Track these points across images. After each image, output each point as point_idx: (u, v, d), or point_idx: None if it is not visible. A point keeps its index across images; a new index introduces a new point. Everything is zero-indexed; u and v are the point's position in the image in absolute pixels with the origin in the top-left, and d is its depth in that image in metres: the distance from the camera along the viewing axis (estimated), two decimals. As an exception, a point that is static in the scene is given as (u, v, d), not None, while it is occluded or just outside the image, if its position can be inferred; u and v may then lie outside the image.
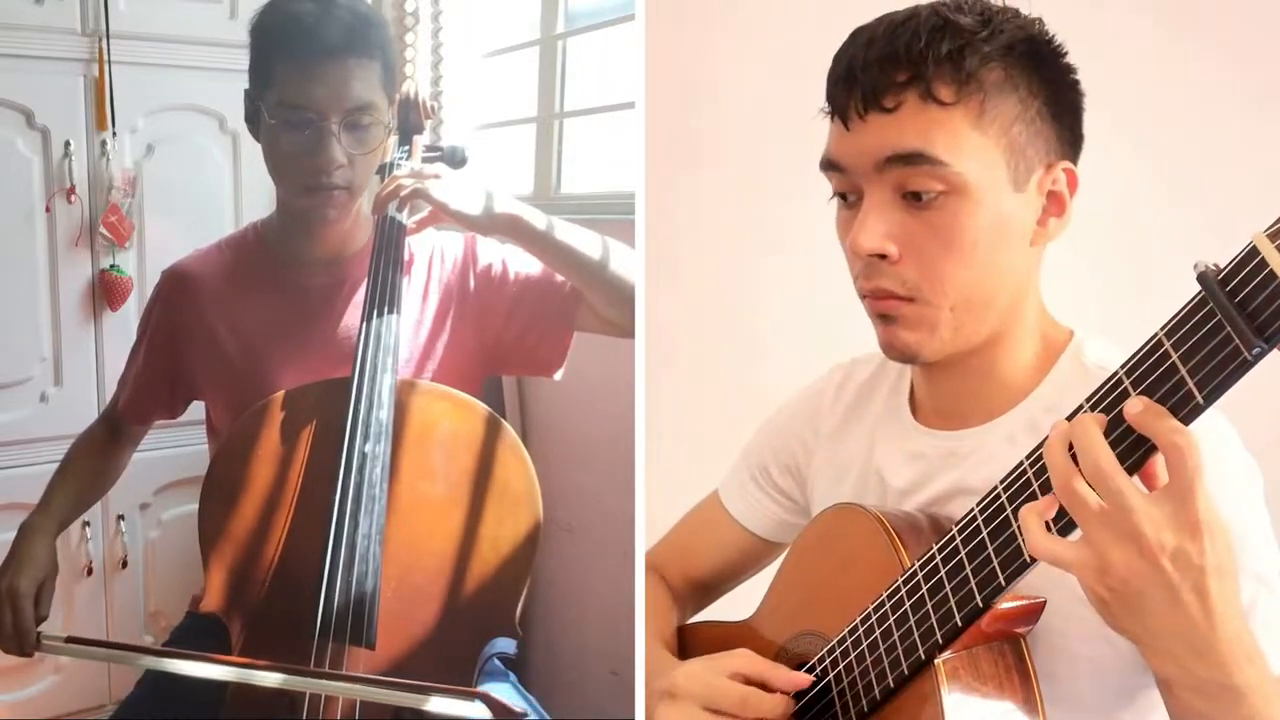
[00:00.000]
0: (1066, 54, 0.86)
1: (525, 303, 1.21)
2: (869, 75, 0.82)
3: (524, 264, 1.21)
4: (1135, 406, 0.66)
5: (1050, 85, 0.84)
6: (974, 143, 0.81)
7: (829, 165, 0.87)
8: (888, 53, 0.82)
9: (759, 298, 1.83)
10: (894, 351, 0.87)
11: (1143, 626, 0.69)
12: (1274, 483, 0.84)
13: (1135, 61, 1.88)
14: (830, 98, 0.86)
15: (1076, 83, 0.87)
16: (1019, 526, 0.72)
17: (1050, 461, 0.70)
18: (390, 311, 1.13)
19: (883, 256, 0.83)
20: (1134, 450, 0.67)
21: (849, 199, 0.86)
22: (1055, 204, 0.85)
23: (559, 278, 1.19)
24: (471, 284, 1.22)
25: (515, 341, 1.22)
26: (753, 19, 1.85)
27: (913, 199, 0.82)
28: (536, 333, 1.21)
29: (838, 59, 0.86)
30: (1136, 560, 0.66)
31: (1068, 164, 0.85)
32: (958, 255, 0.82)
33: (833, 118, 0.86)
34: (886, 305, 0.85)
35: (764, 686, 0.89)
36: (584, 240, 1.14)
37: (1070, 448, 0.69)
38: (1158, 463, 0.67)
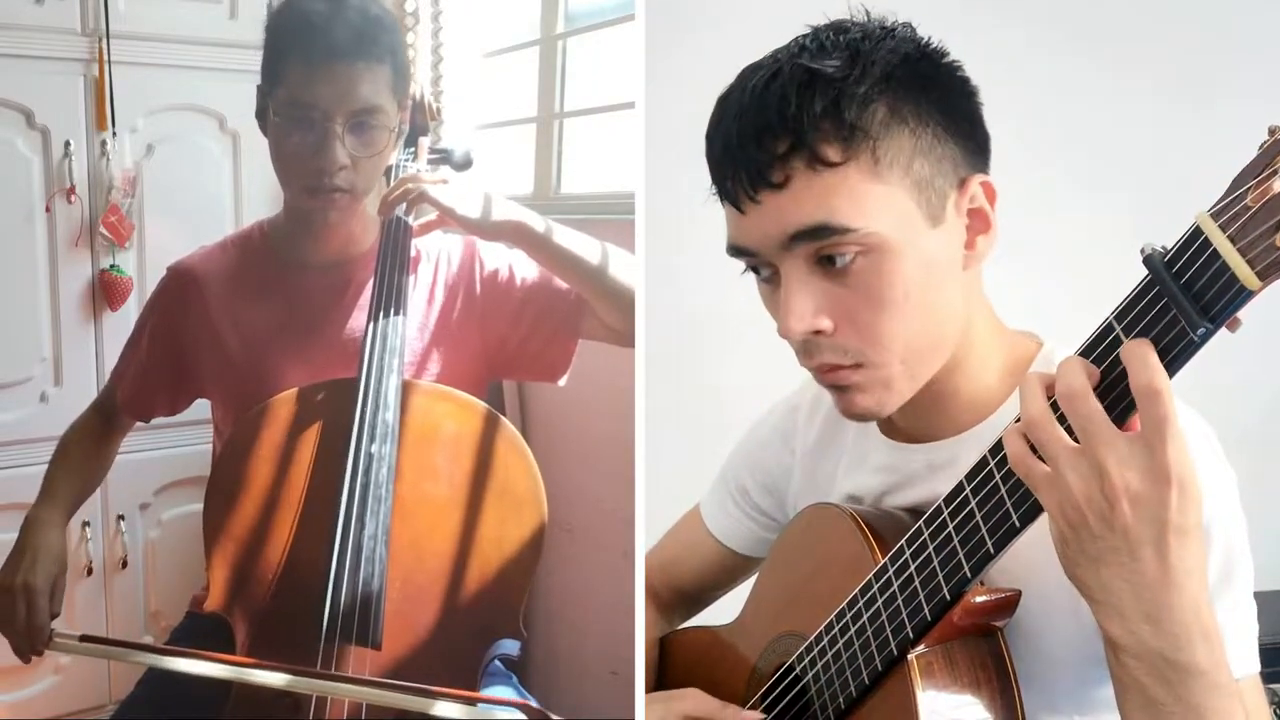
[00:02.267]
0: (948, 55, 0.81)
1: (531, 308, 1.21)
2: (747, 153, 0.76)
3: (530, 270, 1.21)
4: (1133, 342, 0.64)
5: (940, 100, 0.79)
6: (877, 195, 0.76)
7: (735, 251, 0.82)
8: (760, 124, 0.76)
9: (759, 298, 1.83)
10: (855, 418, 0.84)
11: (1096, 577, 0.67)
12: (1253, 479, 0.84)
13: (1097, 71, 1.92)
14: (716, 182, 0.81)
15: (966, 81, 0.82)
16: (995, 465, 0.72)
17: (1026, 395, 0.68)
18: (396, 313, 1.13)
19: (817, 333, 0.79)
20: (1112, 410, 0.66)
21: (763, 273, 0.82)
22: (979, 221, 0.81)
23: (564, 285, 1.19)
24: (478, 288, 1.22)
25: (520, 346, 1.22)
26: (753, 18, 1.85)
27: (828, 263, 0.77)
28: (542, 338, 1.21)
29: (710, 139, 0.81)
30: (1098, 497, 0.64)
31: (981, 176, 0.81)
32: (892, 312, 0.78)
33: (724, 203, 0.81)
34: (836, 377, 0.81)
35: None
36: (589, 248, 1.14)
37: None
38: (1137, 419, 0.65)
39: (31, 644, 1.09)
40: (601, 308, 1.16)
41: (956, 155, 0.80)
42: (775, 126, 0.75)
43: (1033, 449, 0.68)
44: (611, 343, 1.18)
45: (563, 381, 1.22)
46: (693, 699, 0.94)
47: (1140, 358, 0.63)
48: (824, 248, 0.77)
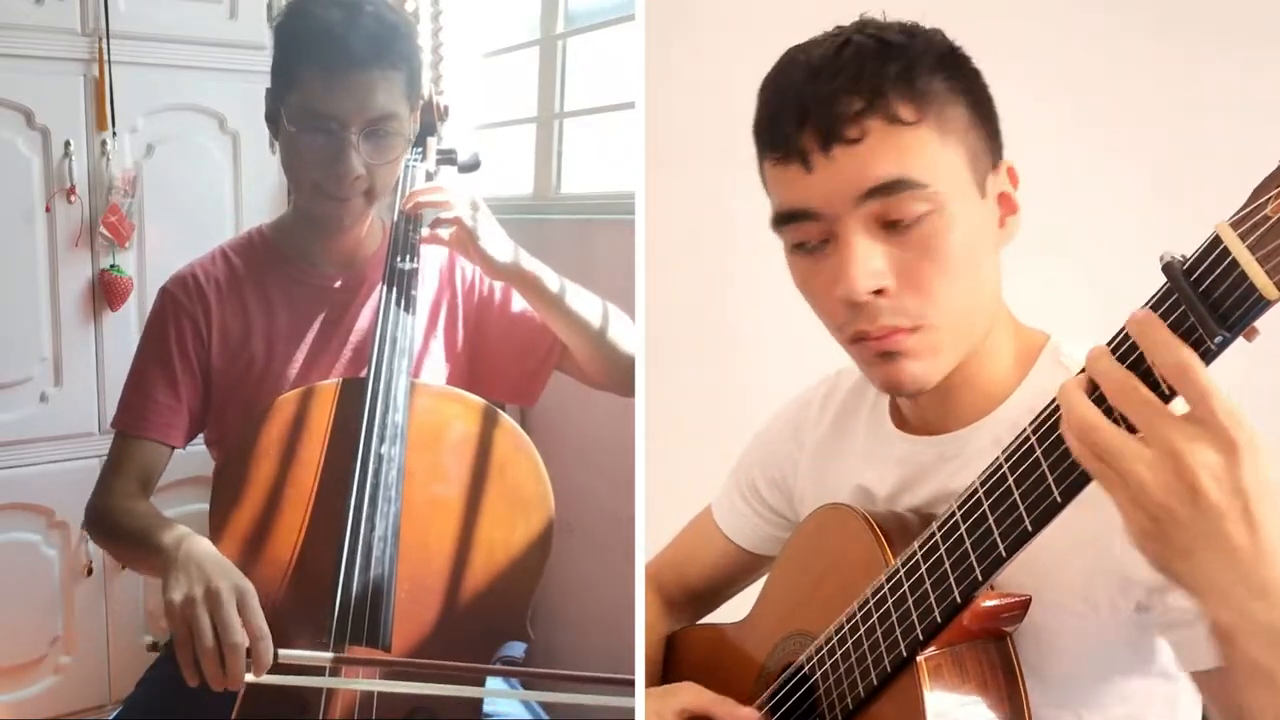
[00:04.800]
0: (971, 60, 0.86)
1: (519, 334, 1.22)
2: (823, 110, 0.79)
3: (522, 302, 1.22)
4: (1137, 316, 0.63)
5: (973, 91, 0.84)
6: (943, 157, 0.80)
7: (790, 217, 0.82)
8: (835, 85, 0.79)
9: (759, 298, 1.83)
10: (902, 388, 0.83)
11: (1189, 564, 0.63)
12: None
13: (1112, 60, 1.92)
14: (775, 142, 0.82)
15: (986, 86, 0.86)
16: (1015, 478, 0.71)
17: (1070, 402, 0.65)
18: (405, 315, 1.13)
19: (878, 292, 0.79)
20: None
21: (811, 244, 0.82)
22: (1007, 204, 0.85)
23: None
24: (474, 303, 1.24)
25: (500, 369, 1.23)
26: (752, 18, 1.85)
27: (891, 225, 0.79)
28: (524, 367, 1.23)
29: (769, 103, 0.83)
30: (1174, 481, 0.61)
31: (1007, 160, 0.86)
32: (950, 272, 0.79)
33: (782, 164, 0.82)
34: (892, 342, 0.81)
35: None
36: (588, 309, 1.15)
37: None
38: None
39: (260, 658, 0.91)
40: (586, 363, 1.18)
41: (989, 139, 0.84)
42: (850, 87, 0.79)
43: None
44: (585, 383, 1.21)
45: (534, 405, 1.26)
46: (687, 692, 0.94)
47: (1159, 341, 0.62)
48: (895, 205, 0.78)
